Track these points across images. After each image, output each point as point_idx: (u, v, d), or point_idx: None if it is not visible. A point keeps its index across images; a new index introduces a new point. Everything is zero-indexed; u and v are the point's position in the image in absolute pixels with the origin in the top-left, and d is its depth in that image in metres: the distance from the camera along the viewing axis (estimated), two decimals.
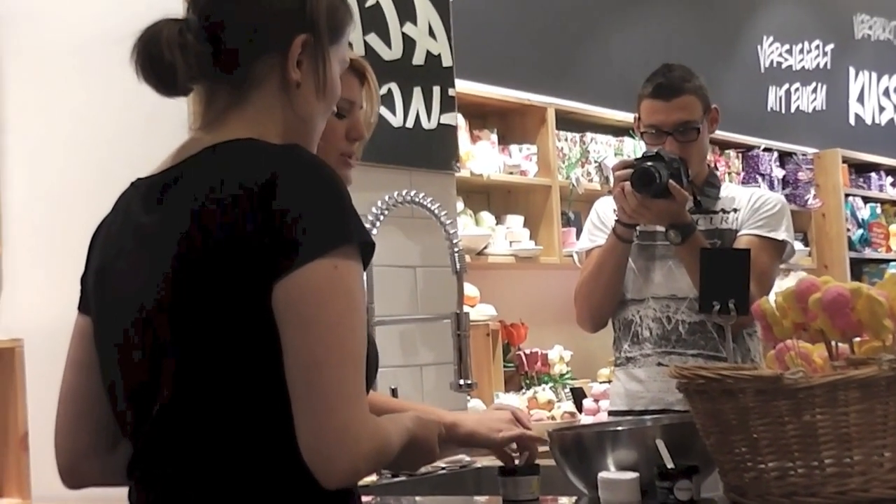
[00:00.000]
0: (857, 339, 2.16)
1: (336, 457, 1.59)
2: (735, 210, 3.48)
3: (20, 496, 3.48)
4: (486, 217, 5.45)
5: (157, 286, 1.70)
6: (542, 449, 2.45)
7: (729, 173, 6.97)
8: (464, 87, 4.93)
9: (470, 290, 5.03)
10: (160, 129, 1.89)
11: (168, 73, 1.74)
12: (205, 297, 1.65)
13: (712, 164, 3.75)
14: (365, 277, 3.10)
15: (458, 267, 2.99)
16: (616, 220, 3.39)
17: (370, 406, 1.70)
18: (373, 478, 2.68)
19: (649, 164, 3.28)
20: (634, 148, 5.99)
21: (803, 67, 8.06)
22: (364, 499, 2.45)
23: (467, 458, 2.91)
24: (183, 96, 1.80)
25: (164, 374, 1.69)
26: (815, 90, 8.18)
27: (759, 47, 7.65)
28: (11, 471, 3.51)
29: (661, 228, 3.40)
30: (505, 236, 5.46)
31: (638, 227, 3.42)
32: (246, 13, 1.78)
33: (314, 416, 1.59)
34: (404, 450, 1.81)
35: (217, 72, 1.77)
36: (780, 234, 3.45)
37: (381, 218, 3.09)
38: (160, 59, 1.73)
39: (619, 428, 2.45)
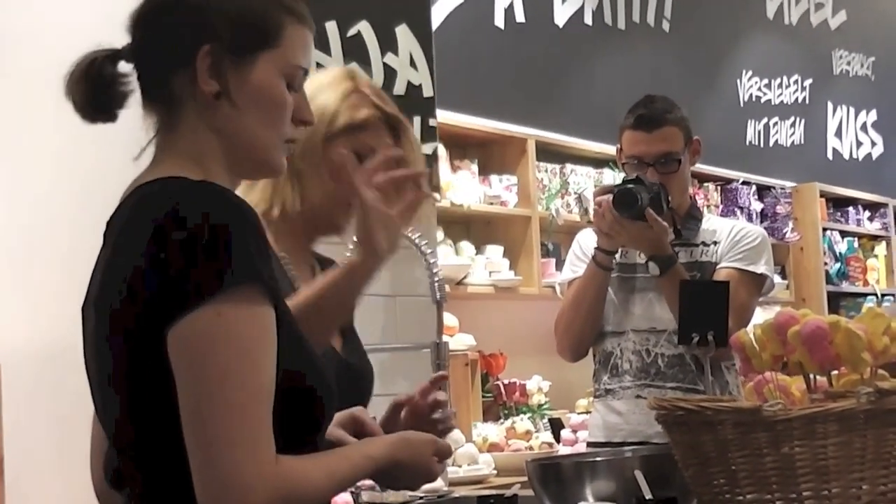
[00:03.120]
0: (836, 372, 2.16)
1: None
2: (715, 243, 3.49)
3: None
4: (466, 247, 5.46)
5: (89, 328, 1.72)
6: (520, 479, 2.44)
7: (708, 206, 6.99)
8: (445, 117, 4.94)
9: (449, 319, 5.03)
10: (141, 158, 1.89)
11: (85, 102, 1.77)
12: (115, 344, 1.65)
13: (692, 197, 3.75)
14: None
15: (438, 296, 2.99)
16: (596, 248, 3.40)
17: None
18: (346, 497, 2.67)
19: (630, 186, 3.29)
20: (614, 179, 5.99)
21: (782, 102, 8.11)
22: None
23: (445, 488, 2.91)
24: (104, 122, 1.80)
25: (111, 415, 1.71)
26: (793, 124, 8.22)
27: (738, 81, 7.69)
28: None
29: (641, 261, 3.41)
30: (484, 266, 5.46)
31: (618, 259, 3.43)
32: (152, 33, 1.76)
33: (202, 464, 1.56)
34: (388, 473, 1.80)
35: (148, 98, 1.77)
36: (760, 268, 3.46)
37: None
38: (85, 86, 1.76)
39: (598, 459, 2.44)
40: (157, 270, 1.59)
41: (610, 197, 3.30)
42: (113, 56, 1.75)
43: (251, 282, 1.60)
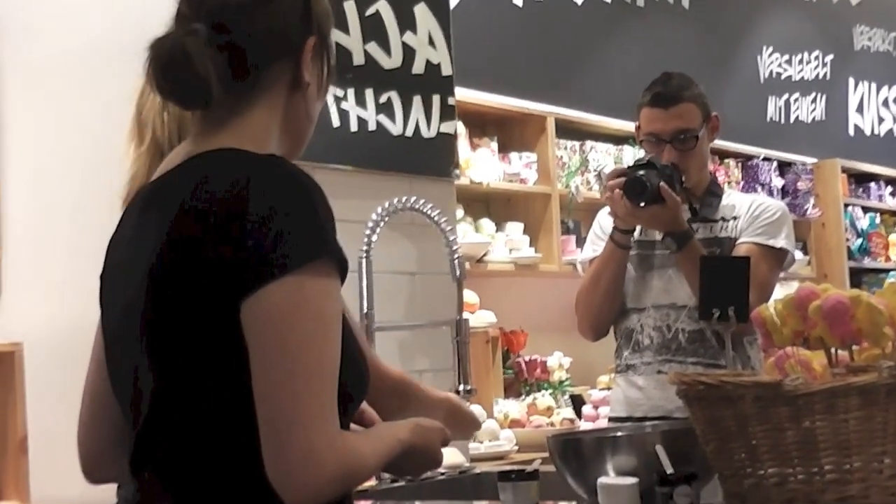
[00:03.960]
0: (857, 346, 2.16)
1: (298, 480, 1.57)
2: (735, 218, 3.47)
3: (19, 499, 3.47)
4: (486, 224, 5.46)
5: (136, 299, 1.69)
6: (542, 455, 2.45)
7: (728, 182, 6.97)
8: (464, 95, 4.94)
9: (470, 296, 5.03)
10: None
11: (199, 87, 1.71)
12: (176, 313, 1.65)
13: (714, 174, 3.73)
14: (365, 285, 3.13)
15: (458, 273, 3.00)
16: (613, 227, 3.39)
17: (379, 376, 1.73)
18: (372, 482, 2.68)
19: (640, 173, 3.28)
20: (633, 156, 5.99)
21: (803, 78, 8.07)
22: (363, 503, 2.46)
23: (467, 464, 2.91)
24: (204, 108, 1.77)
25: (145, 385, 1.70)
26: (814, 100, 8.19)
27: (758, 58, 7.66)
28: (10, 474, 3.51)
29: (659, 237, 3.41)
30: (504, 244, 5.46)
31: (636, 236, 3.43)
32: (258, 21, 1.77)
33: (277, 438, 1.57)
34: (402, 458, 1.80)
35: (230, 80, 1.74)
36: (780, 242, 3.44)
37: (382, 224, 3.10)
38: (190, 72, 1.70)
39: (619, 434, 2.45)
40: (236, 241, 1.59)
41: (621, 183, 3.29)
42: (206, 42, 1.72)
43: (330, 257, 1.62)
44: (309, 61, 1.80)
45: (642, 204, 3.27)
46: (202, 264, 1.62)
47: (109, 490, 2.03)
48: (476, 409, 3.08)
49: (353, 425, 1.88)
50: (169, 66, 1.71)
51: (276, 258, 1.57)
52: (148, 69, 1.72)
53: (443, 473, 2.78)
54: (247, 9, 1.77)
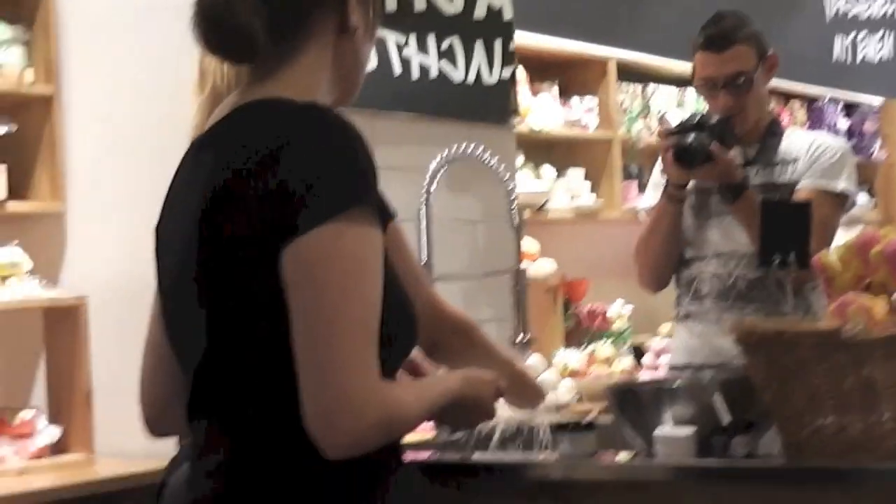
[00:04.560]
0: None
1: (337, 427, 1.57)
2: (795, 160, 3.42)
3: (85, 451, 3.53)
4: (547, 171, 5.44)
5: (188, 251, 1.71)
6: (601, 405, 2.45)
7: (794, 125, 6.89)
8: (524, 39, 4.90)
9: (530, 244, 5.03)
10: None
11: (246, 41, 1.72)
12: (224, 263, 1.66)
13: (776, 114, 3.67)
14: (425, 234, 3.14)
15: (515, 222, 2.99)
16: (667, 181, 3.38)
17: (440, 314, 1.80)
18: (430, 434, 2.70)
19: (690, 138, 3.24)
20: (696, 100, 5.94)
21: (870, 16, 7.94)
22: (422, 455, 2.48)
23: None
24: (250, 62, 1.78)
25: (198, 336, 1.72)
26: (881, 38, 8.05)
27: None
28: (77, 426, 3.56)
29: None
30: (566, 191, 5.45)
31: (692, 185, 3.41)
32: None
33: (315, 383, 1.58)
34: (452, 409, 1.81)
35: (276, 30, 1.75)
36: (840, 185, 3.39)
37: (441, 172, 3.10)
38: (237, 27, 1.71)
39: (676, 384, 2.45)
40: (275, 190, 1.61)
41: (672, 145, 3.27)
42: None
43: (368, 205, 1.63)
44: (355, 4, 1.80)
45: (693, 167, 3.26)
46: (245, 214, 1.63)
47: (171, 442, 2.07)
48: (535, 360, 3.08)
49: (402, 374, 1.90)
50: (213, 21, 1.72)
51: (313, 206, 1.59)
52: (194, 24, 1.73)
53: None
54: None
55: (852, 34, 7.75)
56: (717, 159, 3.24)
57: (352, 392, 1.57)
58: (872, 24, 7.94)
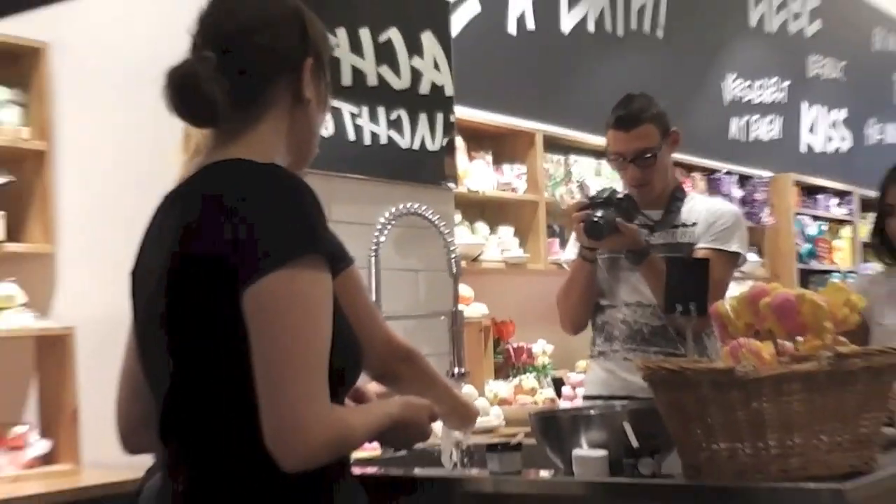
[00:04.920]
0: (801, 338, 2.16)
1: (291, 446, 1.59)
2: (694, 224, 3.44)
3: (72, 462, 3.49)
4: (481, 227, 5.46)
5: (157, 292, 1.72)
6: (525, 429, 2.45)
7: (695, 190, 6.96)
8: (463, 113, 4.94)
9: (465, 290, 5.04)
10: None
11: (207, 108, 1.74)
12: (189, 303, 1.67)
13: (679, 182, 3.69)
14: (374, 280, 3.13)
15: (454, 271, 3.00)
16: (580, 245, 3.39)
17: (391, 344, 1.86)
18: (376, 452, 2.69)
19: (598, 214, 3.26)
20: (611, 171, 5.97)
21: (762, 101, 8.07)
22: (370, 470, 2.47)
23: (460, 437, 2.91)
24: (211, 126, 1.79)
25: (166, 367, 1.72)
26: (771, 122, 8.18)
27: (722, 83, 7.65)
28: (65, 441, 3.52)
29: None
30: (497, 245, 5.47)
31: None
32: (261, 45, 1.78)
33: (272, 410, 1.58)
34: (392, 431, 1.82)
35: (237, 98, 1.76)
36: (733, 247, 3.41)
37: (388, 227, 3.10)
38: (200, 95, 1.72)
39: (592, 412, 2.45)
40: (237, 238, 1.61)
41: (582, 218, 3.29)
42: (214, 66, 1.74)
43: (318, 252, 1.63)
44: (308, 79, 1.80)
45: (602, 238, 3.28)
46: (209, 260, 1.63)
47: (148, 455, 2.05)
48: (469, 389, 3.08)
49: (348, 401, 1.90)
50: (181, 90, 1.74)
51: (270, 254, 1.59)
52: (165, 92, 1.74)
53: (438, 445, 2.79)
54: (250, 33, 1.78)
55: (746, 117, 7.87)
56: (622, 232, 3.27)
57: (304, 415, 1.58)
58: (763, 109, 8.07)
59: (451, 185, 4.57)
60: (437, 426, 2.23)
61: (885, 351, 2.09)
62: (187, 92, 1.74)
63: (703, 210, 3.46)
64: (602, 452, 2.22)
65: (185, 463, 1.72)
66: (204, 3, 1.83)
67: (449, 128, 4.47)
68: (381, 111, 4.18)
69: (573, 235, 3.62)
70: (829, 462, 2.03)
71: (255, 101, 1.78)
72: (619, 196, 3.32)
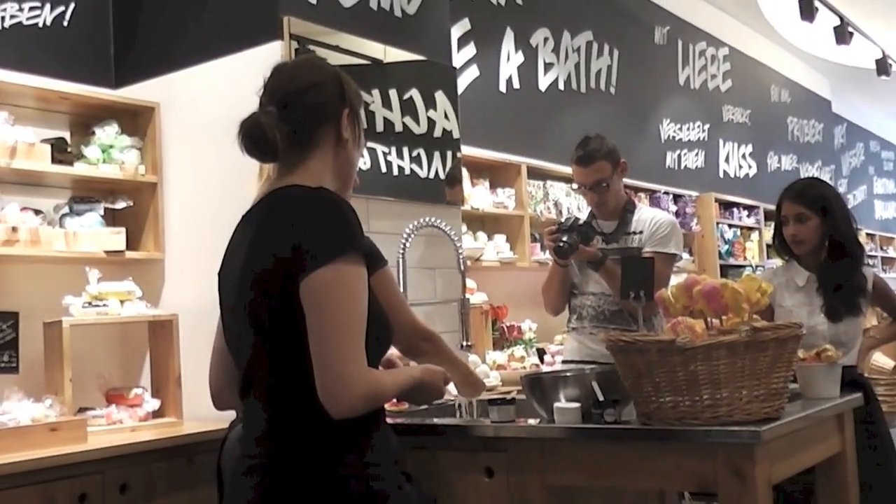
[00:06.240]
0: (725, 316, 2.15)
1: (337, 397, 1.57)
2: (640, 232, 3.44)
3: (176, 416, 3.47)
4: (481, 236, 5.44)
5: (238, 286, 1.72)
6: (517, 388, 2.42)
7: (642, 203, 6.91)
8: (467, 150, 4.91)
9: (470, 283, 5.01)
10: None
11: (270, 148, 1.74)
12: (261, 292, 1.66)
13: (629, 198, 3.66)
14: (401, 276, 3.11)
15: (461, 268, 2.98)
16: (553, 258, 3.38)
17: (414, 326, 1.88)
18: (404, 407, 2.66)
19: (563, 239, 3.23)
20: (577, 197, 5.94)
21: (689, 140, 8.04)
22: (399, 420, 2.45)
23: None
24: (274, 161, 1.79)
25: (246, 342, 1.71)
26: (697, 154, 8.15)
27: (660, 126, 7.63)
28: (170, 400, 3.50)
29: None
30: (493, 249, 5.44)
31: None
32: (310, 102, 1.79)
33: (322, 370, 1.58)
34: (413, 390, 1.82)
35: (293, 140, 1.77)
36: (671, 249, 3.41)
37: (412, 236, 3.08)
38: (264, 139, 1.73)
39: (568, 374, 2.43)
40: (294, 244, 1.61)
41: (553, 241, 3.25)
42: (276, 117, 1.75)
43: (355, 252, 1.62)
44: (346, 124, 1.81)
45: (566, 259, 3.27)
46: (274, 260, 1.64)
47: (233, 412, 2.03)
48: (474, 358, 3.06)
49: (381, 367, 1.88)
50: (250, 135, 1.75)
51: (319, 253, 1.60)
52: (239, 137, 1.76)
53: (451, 401, 2.76)
54: (302, 93, 1.78)
55: (678, 151, 7.84)
56: (582, 252, 3.24)
57: (347, 375, 1.57)
58: (690, 145, 8.04)
59: (459, 204, 4.54)
60: (451, 387, 2.20)
61: (789, 325, 2.09)
62: (255, 137, 1.74)
63: (647, 220, 3.46)
64: (576, 405, 2.21)
65: (258, 415, 1.71)
66: (267, 72, 1.85)
67: (456, 162, 4.44)
68: (405, 150, 4.16)
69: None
70: (749, 410, 2.02)
71: (307, 142, 1.79)
72: (580, 223, 3.31)
